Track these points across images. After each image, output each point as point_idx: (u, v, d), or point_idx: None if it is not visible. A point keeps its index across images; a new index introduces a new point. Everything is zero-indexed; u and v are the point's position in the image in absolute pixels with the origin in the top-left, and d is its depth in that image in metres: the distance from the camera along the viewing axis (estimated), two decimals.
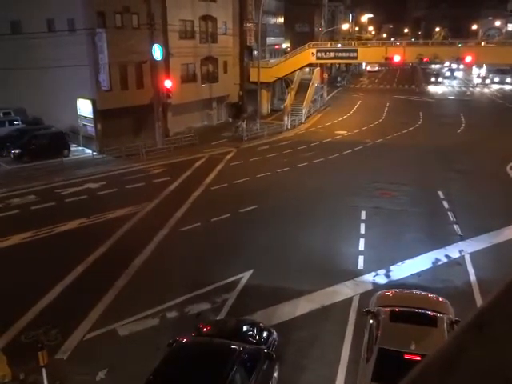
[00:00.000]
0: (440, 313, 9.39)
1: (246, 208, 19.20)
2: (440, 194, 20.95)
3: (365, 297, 12.54)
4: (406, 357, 7.90)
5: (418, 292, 11.13)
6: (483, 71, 72.50)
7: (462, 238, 16.21)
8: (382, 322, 9.02)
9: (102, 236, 16.56)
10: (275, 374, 9.12)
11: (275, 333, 10.01)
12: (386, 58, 41.23)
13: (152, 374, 7.90)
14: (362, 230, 17.04)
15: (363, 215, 18.44)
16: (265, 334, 9.72)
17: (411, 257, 14.82)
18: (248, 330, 9.72)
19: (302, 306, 12.23)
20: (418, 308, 9.59)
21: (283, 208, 19.30)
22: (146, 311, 11.96)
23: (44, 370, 8.76)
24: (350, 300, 12.51)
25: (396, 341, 8.53)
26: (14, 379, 8.99)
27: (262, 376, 8.46)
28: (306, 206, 19.47)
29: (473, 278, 13.51)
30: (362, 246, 15.72)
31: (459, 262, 14.55)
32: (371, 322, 9.40)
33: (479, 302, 12.16)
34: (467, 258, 14.75)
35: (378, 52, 43.13)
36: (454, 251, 15.18)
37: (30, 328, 11.26)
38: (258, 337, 9.50)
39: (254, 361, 8.43)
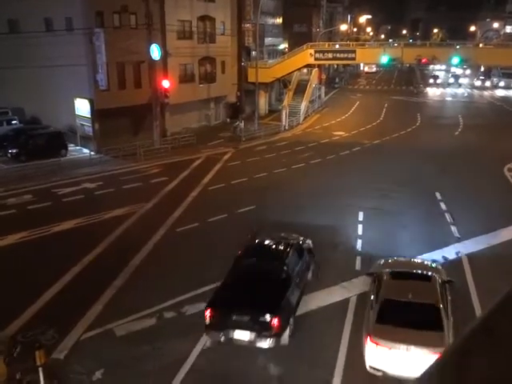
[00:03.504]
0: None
1: (244, 208, 19.19)
2: (437, 195, 20.98)
3: (362, 298, 12.55)
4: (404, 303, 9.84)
5: (415, 259, 13.07)
6: (483, 73, 71.97)
7: (459, 240, 16.24)
8: (385, 279, 10.81)
9: (99, 236, 16.53)
10: (312, 264, 13.27)
11: (310, 240, 13.86)
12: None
13: (238, 257, 12.02)
14: (360, 231, 17.06)
15: (361, 216, 18.46)
16: (302, 239, 13.60)
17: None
18: (293, 238, 13.46)
19: (299, 308, 12.21)
20: (414, 269, 11.58)
21: (281, 208, 19.30)
22: (143, 311, 11.94)
23: (41, 370, 8.74)
24: (346, 301, 12.51)
25: (396, 292, 10.22)
26: (10, 379, 8.95)
27: (306, 261, 12.79)
28: (303, 206, 19.47)
29: (470, 279, 13.53)
30: (359, 247, 15.74)
31: (456, 264, 14.57)
32: (375, 282, 11.06)
33: (476, 303, 12.17)
34: (464, 260, 14.77)
35: (375, 53, 43.22)
36: (451, 252, 15.20)
37: (27, 328, 11.22)
38: (300, 240, 13.47)
39: (301, 250, 12.81)
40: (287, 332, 10.41)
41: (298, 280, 11.67)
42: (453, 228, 17.25)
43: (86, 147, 29.39)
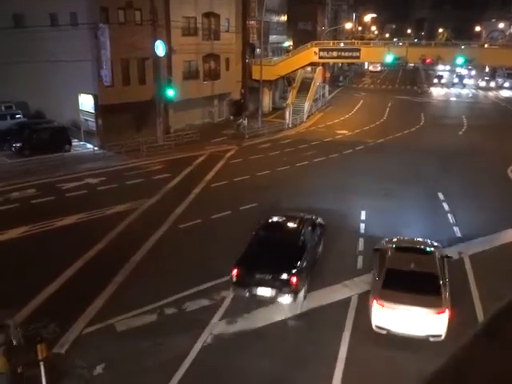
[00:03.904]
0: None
1: (247, 206, 19.20)
2: (440, 195, 20.94)
3: (363, 297, 12.56)
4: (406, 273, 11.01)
5: (417, 238, 13.86)
6: (488, 73, 71.64)
7: (461, 240, 16.21)
8: (389, 253, 12.01)
9: (101, 231, 16.56)
10: (323, 238, 14.72)
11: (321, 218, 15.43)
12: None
13: (259, 228, 13.42)
14: (362, 230, 17.05)
15: (363, 215, 18.45)
16: (314, 216, 15.07)
17: None
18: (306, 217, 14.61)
19: (301, 305, 12.24)
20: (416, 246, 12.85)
21: (283, 206, 19.28)
22: (145, 307, 11.97)
23: (42, 364, 8.77)
24: (348, 299, 12.52)
25: (399, 263, 11.43)
26: (12, 373, 8.99)
27: (318, 235, 14.26)
28: (306, 204, 19.42)
29: (472, 280, 13.51)
30: (361, 246, 15.73)
31: (458, 264, 14.54)
32: (381, 256, 12.10)
33: (478, 304, 12.16)
34: (466, 260, 14.75)
35: (380, 52, 43.09)
36: (453, 253, 15.16)
37: (28, 322, 11.26)
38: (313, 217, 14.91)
39: (314, 224, 14.24)
40: (303, 292, 11.93)
41: (311, 249, 13.11)
42: (455, 229, 17.22)
43: (89, 142, 29.45)
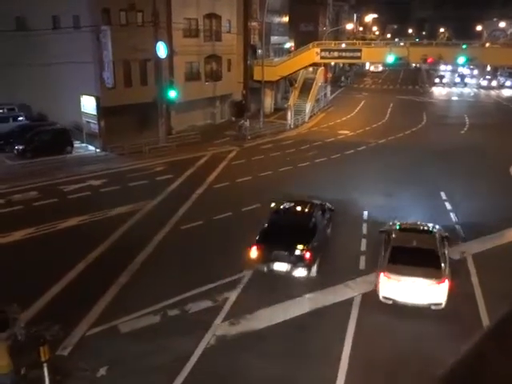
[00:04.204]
0: None
1: (249, 207, 19.20)
2: (442, 194, 20.92)
3: (366, 297, 12.55)
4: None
5: (420, 222, 14.88)
6: (490, 73, 71.46)
7: (464, 240, 16.18)
8: (394, 233, 13.25)
9: (104, 233, 16.59)
10: (331, 221, 16.21)
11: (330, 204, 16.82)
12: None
13: (274, 212, 15.04)
14: (364, 230, 17.03)
15: (365, 215, 18.43)
16: (324, 202, 16.47)
17: None
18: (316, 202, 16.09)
19: (303, 306, 12.24)
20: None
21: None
22: (148, 308, 11.98)
23: (45, 366, 8.78)
24: (351, 300, 12.51)
25: (403, 241, 12.61)
26: (15, 373, 9.01)
27: (328, 218, 15.78)
28: None
29: (475, 279, 13.49)
30: (363, 247, 15.71)
31: (461, 263, 14.52)
32: (386, 237, 13.35)
33: (481, 304, 12.14)
34: (469, 260, 14.72)
35: (381, 52, 43.07)
36: (456, 252, 15.14)
37: (31, 323, 11.27)
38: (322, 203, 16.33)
39: (324, 209, 15.75)
40: (315, 267, 13.32)
41: (322, 230, 14.63)
42: (458, 228, 17.19)
43: (91, 144, 29.49)
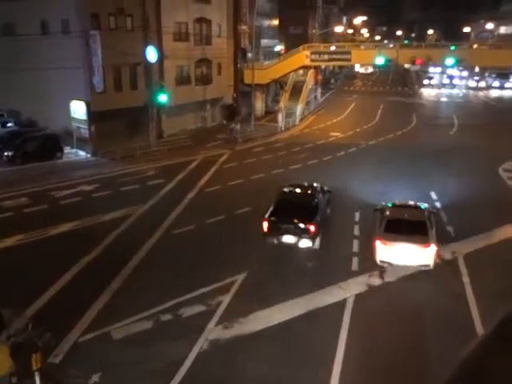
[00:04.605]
0: None
1: (241, 210, 19.20)
2: (433, 194, 21.05)
3: (359, 298, 12.59)
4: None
5: (410, 202, 16.55)
6: (479, 74, 72.00)
7: (454, 239, 16.29)
8: (387, 209, 15.19)
9: (96, 238, 16.50)
10: (330, 202, 18.14)
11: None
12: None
13: (280, 193, 16.76)
14: (356, 232, 17.10)
15: (357, 216, 18.50)
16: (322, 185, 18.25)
17: None
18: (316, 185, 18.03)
19: (296, 309, 12.24)
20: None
21: None
22: (140, 314, 11.92)
23: (37, 374, 8.71)
24: (344, 301, 12.54)
25: (396, 214, 14.69)
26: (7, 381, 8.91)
27: (327, 199, 17.63)
28: None
29: (466, 279, 13.59)
30: (355, 248, 15.78)
31: (452, 263, 14.63)
32: (380, 213, 15.21)
33: (472, 303, 12.22)
34: (460, 259, 14.83)
35: (371, 54, 43.31)
36: (447, 252, 15.25)
37: (24, 330, 11.16)
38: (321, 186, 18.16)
39: (324, 191, 17.61)
40: (318, 240, 15.07)
41: (323, 208, 16.46)
42: (448, 228, 17.31)
43: (82, 149, 29.34)
